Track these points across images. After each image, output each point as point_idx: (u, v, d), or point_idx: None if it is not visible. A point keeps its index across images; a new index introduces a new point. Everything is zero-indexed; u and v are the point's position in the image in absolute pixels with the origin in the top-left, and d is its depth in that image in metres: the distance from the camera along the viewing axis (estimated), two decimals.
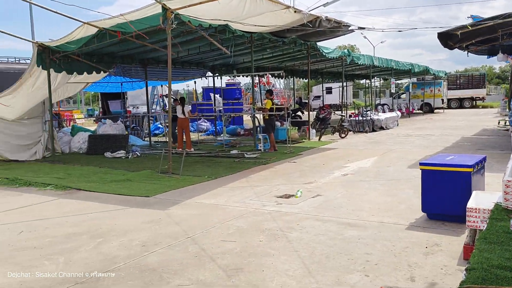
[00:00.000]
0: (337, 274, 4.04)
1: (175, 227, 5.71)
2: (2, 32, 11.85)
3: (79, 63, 13.11)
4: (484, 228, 3.85)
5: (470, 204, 4.45)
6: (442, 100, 33.35)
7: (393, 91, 29.58)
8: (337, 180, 8.51)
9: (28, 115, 13.33)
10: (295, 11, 11.10)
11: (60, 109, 26.71)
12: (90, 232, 5.59)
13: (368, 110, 19.68)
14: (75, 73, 13.41)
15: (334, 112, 19.98)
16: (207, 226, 5.67)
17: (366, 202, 6.68)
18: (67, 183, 8.89)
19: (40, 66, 12.26)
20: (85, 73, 13.52)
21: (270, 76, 27.53)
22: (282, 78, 29.60)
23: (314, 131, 16.67)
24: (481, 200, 4.54)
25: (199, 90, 29.96)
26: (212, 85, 20.74)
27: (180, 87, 40.64)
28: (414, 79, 33.59)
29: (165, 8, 8.94)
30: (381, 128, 19.14)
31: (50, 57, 12.30)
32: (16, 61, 16.94)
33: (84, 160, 12.38)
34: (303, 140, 15.81)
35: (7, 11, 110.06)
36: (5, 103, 12.45)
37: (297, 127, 17.15)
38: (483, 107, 36.85)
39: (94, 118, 28.73)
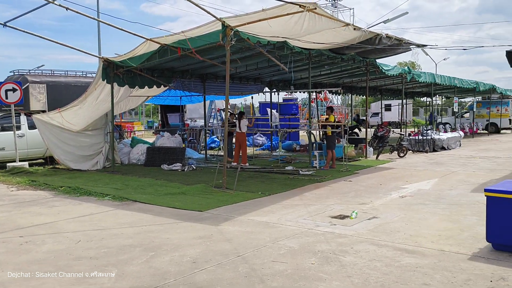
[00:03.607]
0: None
1: (226, 244, 5.68)
2: (74, 48, 12.65)
3: (141, 77, 13.59)
4: None
5: None
6: (510, 120, 31.43)
7: (455, 109, 28.30)
8: (395, 202, 8.17)
9: (92, 126, 13.92)
10: (354, 29, 10.94)
11: (122, 120, 27.90)
12: (143, 245, 5.68)
13: (429, 129, 18.88)
14: (136, 86, 13.93)
15: (393, 130, 19.37)
16: (258, 245, 5.60)
17: (425, 227, 6.34)
18: (124, 194, 9.17)
19: (105, 80, 12.80)
20: (146, 87, 13.99)
21: (327, 92, 27.29)
22: (339, 95, 29.21)
23: (371, 149, 16.23)
24: None
25: (256, 105, 30.13)
26: (269, 100, 20.84)
27: (238, 101, 41.31)
28: (479, 98, 31.93)
29: (225, 25, 9.09)
30: (443, 148, 18.28)
31: (114, 71, 12.79)
32: (83, 75, 17.84)
33: (142, 172, 12.76)
34: (360, 158, 15.43)
35: (75, 27, 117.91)
36: (70, 115, 13.13)
37: (354, 145, 16.78)
38: None
39: (153, 130, 29.67)
